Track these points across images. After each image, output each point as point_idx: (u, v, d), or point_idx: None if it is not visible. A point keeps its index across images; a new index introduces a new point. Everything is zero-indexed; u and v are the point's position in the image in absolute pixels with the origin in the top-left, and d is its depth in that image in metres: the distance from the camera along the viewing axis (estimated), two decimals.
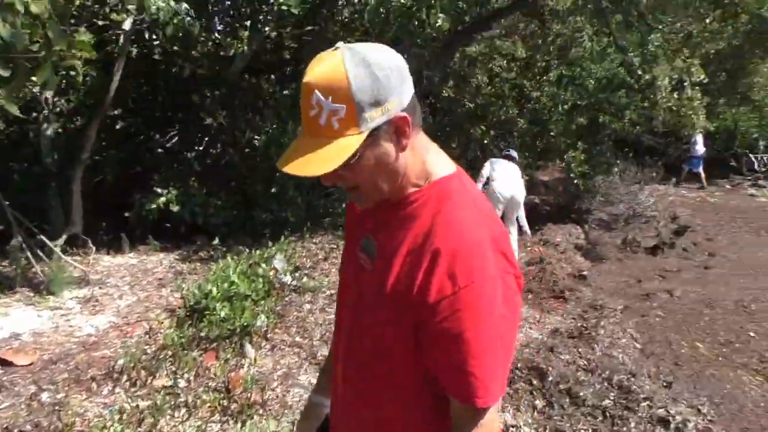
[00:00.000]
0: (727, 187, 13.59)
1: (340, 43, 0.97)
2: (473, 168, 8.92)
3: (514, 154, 7.19)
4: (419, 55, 8.61)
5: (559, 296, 5.55)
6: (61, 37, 1.82)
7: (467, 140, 9.02)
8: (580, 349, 4.26)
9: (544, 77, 9.67)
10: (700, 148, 13.25)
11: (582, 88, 9.00)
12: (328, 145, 0.94)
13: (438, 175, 1.06)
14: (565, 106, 8.62)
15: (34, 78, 2.30)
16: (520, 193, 6.73)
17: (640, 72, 8.77)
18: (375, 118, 0.94)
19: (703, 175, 13.27)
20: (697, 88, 9.70)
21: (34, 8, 1.73)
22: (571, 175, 8.55)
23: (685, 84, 9.89)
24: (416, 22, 5.99)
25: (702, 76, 9.55)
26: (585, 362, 4.05)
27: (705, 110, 9.39)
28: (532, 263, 6.54)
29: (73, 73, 5.36)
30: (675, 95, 9.09)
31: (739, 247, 8.55)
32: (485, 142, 8.87)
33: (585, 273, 6.66)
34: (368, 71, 0.92)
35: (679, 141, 14.27)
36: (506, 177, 6.62)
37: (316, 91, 0.93)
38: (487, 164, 6.76)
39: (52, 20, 1.84)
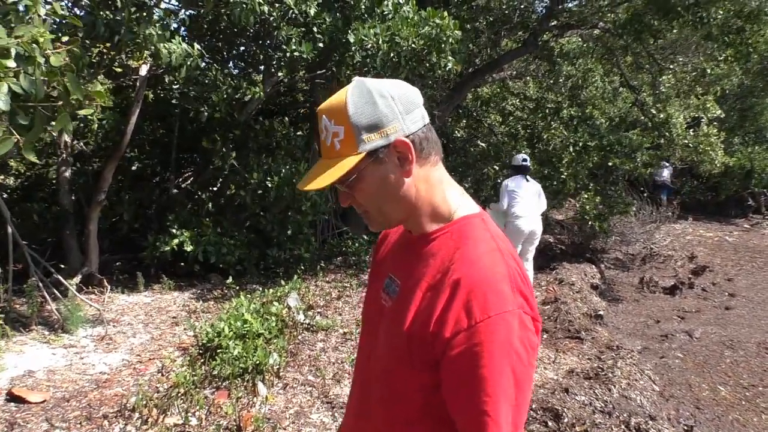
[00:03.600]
0: (746, 226, 13.42)
1: (355, 77, 1.05)
2: (486, 206, 8.97)
3: (527, 162, 6.67)
4: (431, 97, 8.77)
5: (575, 336, 5.46)
6: (78, 87, 1.90)
7: (481, 179, 9.07)
8: (596, 391, 4.18)
9: (555, 117, 9.77)
10: (666, 176, 13.26)
11: (593, 128, 9.06)
12: (330, 164, 1.02)
13: (461, 214, 1.09)
14: (577, 147, 8.65)
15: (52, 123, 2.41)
16: (540, 226, 6.48)
17: (654, 111, 8.83)
18: (373, 140, 1.00)
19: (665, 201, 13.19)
20: (714, 124, 9.74)
21: (53, 60, 1.82)
22: (586, 217, 8.51)
23: (702, 120, 9.94)
24: (427, 65, 6.10)
25: (718, 112, 9.60)
26: (602, 404, 3.96)
27: (722, 146, 9.39)
28: (548, 302, 6.46)
29: (89, 118, 5.55)
30: (691, 132, 9.12)
31: (760, 287, 8.39)
32: (499, 181, 8.91)
33: (601, 313, 6.56)
34: (367, 97, 1.00)
35: (695, 179, 14.22)
36: (528, 209, 6.31)
37: (323, 116, 1.04)
38: (504, 193, 6.37)
39: (70, 71, 1.93)
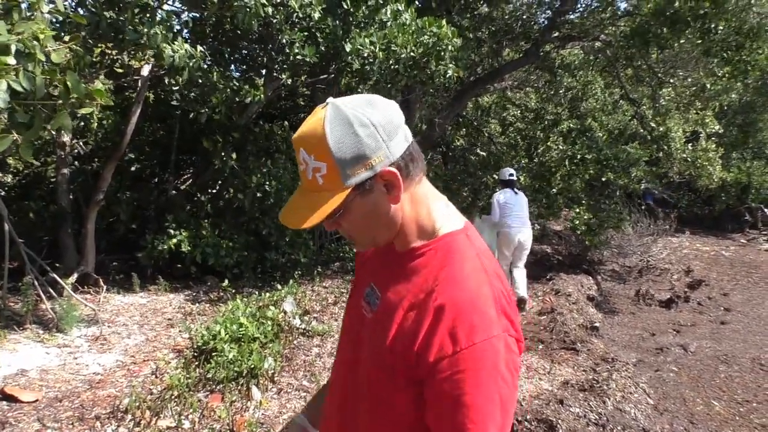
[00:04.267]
0: (742, 241, 13.45)
1: (330, 99, 0.98)
2: (485, 214, 8.97)
3: (514, 176, 6.99)
4: (432, 104, 8.79)
5: (571, 347, 5.45)
6: (78, 85, 1.89)
7: (479, 188, 9.08)
8: (591, 403, 4.17)
9: (554, 129, 9.80)
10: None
11: (592, 141, 9.10)
12: (315, 199, 0.97)
13: (445, 230, 1.06)
14: (574, 160, 8.68)
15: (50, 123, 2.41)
16: (531, 234, 6.81)
17: (653, 124, 8.86)
18: (358, 173, 0.95)
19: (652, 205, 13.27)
20: (712, 139, 9.78)
21: (54, 57, 1.81)
22: (577, 231, 8.54)
23: (700, 135, 9.99)
24: (427, 72, 6.12)
25: (717, 127, 9.64)
26: (596, 416, 3.96)
27: (720, 161, 9.43)
28: (544, 313, 6.46)
29: (88, 117, 5.55)
30: (690, 147, 9.16)
31: (756, 303, 8.40)
32: (497, 189, 8.92)
33: (597, 325, 6.56)
34: (348, 130, 0.94)
35: (693, 193, 14.26)
36: (521, 219, 6.62)
37: (302, 149, 0.97)
38: (494, 206, 6.66)
39: (70, 69, 1.92)
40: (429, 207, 1.06)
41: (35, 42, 1.67)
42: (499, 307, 0.97)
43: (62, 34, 2.60)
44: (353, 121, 0.94)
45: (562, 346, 5.51)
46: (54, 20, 3.30)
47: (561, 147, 9.04)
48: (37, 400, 3.49)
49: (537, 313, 6.50)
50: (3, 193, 6.83)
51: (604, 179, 8.48)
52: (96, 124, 6.24)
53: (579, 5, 9.01)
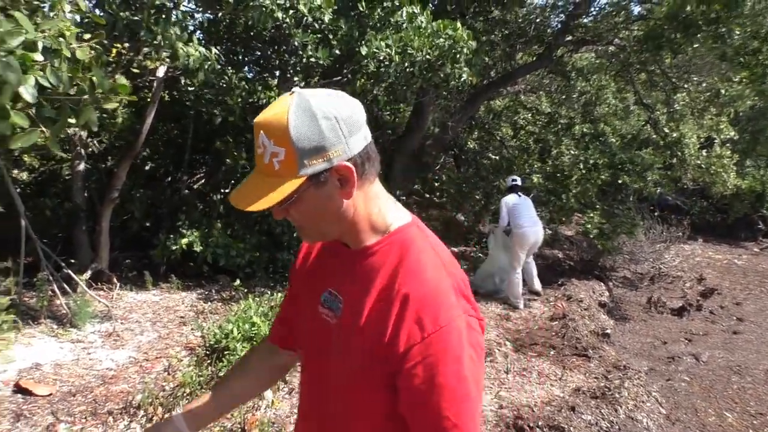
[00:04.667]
0: (755, 249, 13.31)
1: (296, 88, 0.99)
2: (496, 220, 8.95)
3: (519, 182, 7.23)
4: (445, 107, 8.79)
5: (582, 354, 5.42)
6: (104, 81, 1.92)
7: (491, 192, 9.05)
8: (602, 411, 4.14)
9: (567, 133, 9.77)
10: None
11: (605, 145, 9.06)
12: (269, 184, 0.98)
13: (397, 224, 1.09)
14: (587, 165, 8.65)
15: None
16: (542, 233, 7.03)
17: (666, 130, 8.80)
18: (315, 164, 0.97)
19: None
20: (726, 145, 9.68)
21: (79, 54, 1.84)
22: (589, 235, 8.50)
23: (715, 141, 9.91)
24: (441, 75, 6.13)
25: (732, 133, 9.55)
26: (608, 424, 3.94)
27: (735, 168, 9.34)
28: (555, 318, 6.42)
29: (105, 115, 5.60)
30: (704, 153, 9.08)
31: None
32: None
33: (609, 331, 6.52)
34: (311, 120, 0.95)
35: (706, 200, 14.13)
36: (532, 219, 6.82)
37: (262, 132, 0.98)
38: (503, 210, 6.85)
39: (95, 65, 1.95)
40: (380, 205, 1.08)
41: (61, 39, 1.69)
42: (458, 291, 1.02)
43: (82, 33, 2.63)
44: (317, 113, 0.96)
45: (574, 352, 5.48)
46: (75, 20, 3.34)
47: (573, 152, 9.00)
48: (51, 394, 3.52)
49: (548, 319, 6.47)
50: (19, 190, 6.89)
51: (620, 182, 8.44)
52: (120, 119, 6.29)
53: (593, 9, 8.99)
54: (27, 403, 3.38)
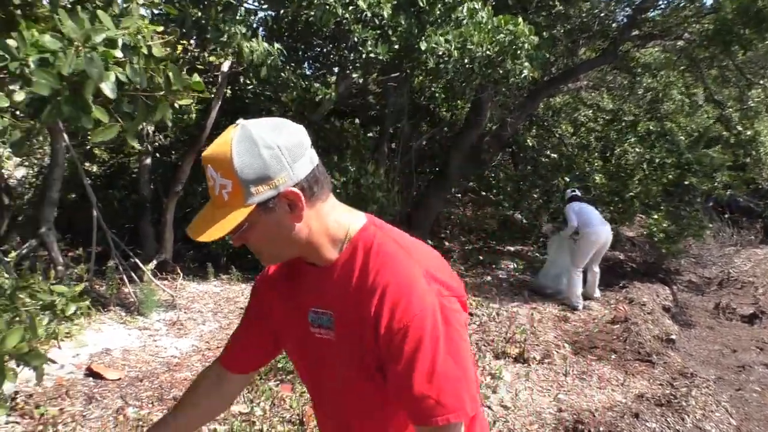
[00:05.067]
0: None
1: (240, 120, 1.04)
2: (556, 219, 8.74)
3: (578, 192, 7.28)
4: (503, 104, 8.64)
5: (646, 359, 5.22)
6: (179, 77, 1.98)
7: (550, 190, 8.84)
8: (668, 419, 3.97)
9: (631, 131, 9.42)
10: None
11: (672, 144, 8.69)
12: (220, 214, 1.02)
13: (355, 229, 1.13)
14: (652, 164, 8.32)
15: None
16: (611, 235, 6.99)
17: (739, 127, 8.36)
18: (262, 192, 1.00)
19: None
20: None
21: (155, 51, 1.90)
22: (654, 238, 8.19)
23: None
24: (501, 71, 6.02)
25: None
26: None
27: None
28: (616, 322, 6.22)
29: (179, 111, 5.78)
30: None
31: None
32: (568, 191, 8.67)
33: (673, 337, 6.26)
34: (253, 150, 0.99)
35: None
36: (599, 219, 6.83)
37: (209, 166, 1.02)
38: (571, 213, 6.80)
39: (171, 62, 2.01)
40: (336, 218, 1.12)
41: (139, 36, 1.75)
42: (427, 275, 1.06)
43: (156, 30, 2.72)
44: (259, 143, 0.99)
45: (637, 357, 5.28)
46: (148, 15, 3.46)
47: (638, 150, 8.68)
48: (120, 379, 3.67)
49: (609, 322, 6.28)
50: (90, 182, 7.23)
51: (686, 183, 8.09)
52: (195, 115, 6.51)
53: (661, 2, 8.62)
54: (98, 386, 3.54)
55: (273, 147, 1.00)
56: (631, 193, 8.27)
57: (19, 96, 1.48)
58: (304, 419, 3.25)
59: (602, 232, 6.67)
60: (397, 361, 1.03)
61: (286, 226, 1.06)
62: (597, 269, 6.98)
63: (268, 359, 1.40)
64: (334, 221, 1.11)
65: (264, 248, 1.11)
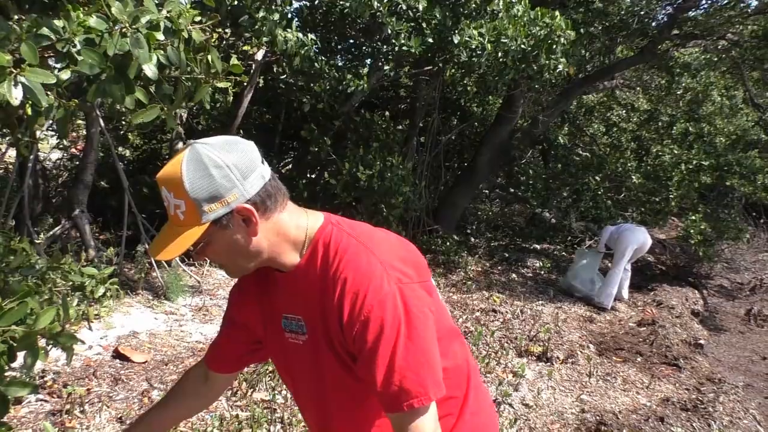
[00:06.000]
0: None
1: (190, 141, 1.07)
2: (584, 219, 8.61)
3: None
4: (536, 101, 8.53)
5: (673, 363, 5.13)
6: (219, 61, 2.01)
7: (580, 189, 8.70)
8: (694, 424, 3.91)
9: (668, 132, 9.22)
10: None
11: (710, 146, 8.48)
12: (177, 233, 1.06)
13: (313, 230, 1.16)
14: (689, 166, 8.14)
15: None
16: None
17: None
18: (215, 210, 1.04)
19: None
20: None
21: (195, 36, 1.92)
22: (690, 241, 8.02)
23: None
24: (535, 66, 5.93)
25: None
26: None
27: None
28: (643, 324, 6.12)
29: (217, 95, 5.83)
30: None
31: None
32: (599, 193, 8.52)
33: (702, 342, 6.13)
34: (202, 170, 1.02)
35: None
36: (637, 227, 6.97)
37: (163, 187, 1.06)
38: (605, 232, 7.03)
39: (212, 46, 2.03)
40: (295, 223, 1.15)
41: (181, 20, 1.77)
42: (385, 264, 1.09)
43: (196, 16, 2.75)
44: (207, 163, 1.02)
45: (663, 360, 5.19)
46: (186, 2, 3.49)
47: (675, 151, 8.50)
48: (146, 362, 3.73)
49: (636, 324, 6.18)
50: (122, 167, 7.35)
51: (728, 183, 7.91)
52: (231, 97, 6.57)
53: (704, 1, 8.39)
54: (124, 368, 3.61)
55: (222, 166, 1.03)
56: (670, 195, 8.12)
57: (65, 74, 1.51)
58: None
59: (640, 234, 6.75)
60: (360, 351, 1.07)
61: (243, 240, 1.09)
62: (629, 268, 6.98)
63: (253, 360, 1.42)
64: (295, 227, 1.15)
65: (226, 262, 1.15)
